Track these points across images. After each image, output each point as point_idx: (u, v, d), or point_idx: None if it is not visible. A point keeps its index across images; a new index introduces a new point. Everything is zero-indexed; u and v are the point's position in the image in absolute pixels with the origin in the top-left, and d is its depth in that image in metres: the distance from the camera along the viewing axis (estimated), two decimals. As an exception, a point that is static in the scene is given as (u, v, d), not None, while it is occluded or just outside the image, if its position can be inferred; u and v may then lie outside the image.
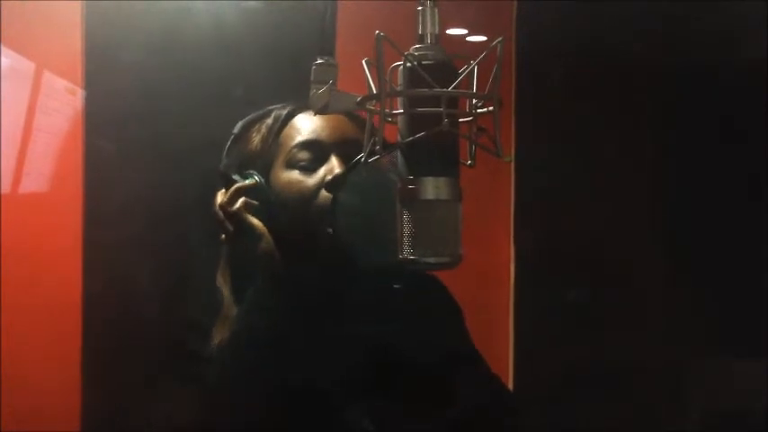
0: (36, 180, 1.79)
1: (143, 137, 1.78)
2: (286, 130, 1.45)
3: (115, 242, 1.78)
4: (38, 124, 1.78)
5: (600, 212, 1.99)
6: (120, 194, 1.79)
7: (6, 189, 1.75)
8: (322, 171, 1.41)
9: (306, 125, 1.44)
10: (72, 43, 1.78)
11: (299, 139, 1.43)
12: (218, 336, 1.39)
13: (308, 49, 1.40)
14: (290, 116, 1.46)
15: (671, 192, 1.99)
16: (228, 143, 1.47)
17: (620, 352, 1.97)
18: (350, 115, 1.44)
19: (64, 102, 1.81)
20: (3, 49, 1.73)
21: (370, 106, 1.15)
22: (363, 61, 1.17)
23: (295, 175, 1.41)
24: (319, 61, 1.20)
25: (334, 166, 1.40)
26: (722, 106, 1.92)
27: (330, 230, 1.35)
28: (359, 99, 1.16)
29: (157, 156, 1.79)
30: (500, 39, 1.15)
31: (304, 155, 1.42)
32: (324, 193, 1.39)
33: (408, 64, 1.12)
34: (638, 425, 1.96)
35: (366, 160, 1.17)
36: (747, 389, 1.93)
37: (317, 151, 1.42)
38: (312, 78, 1.19)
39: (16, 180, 1.76)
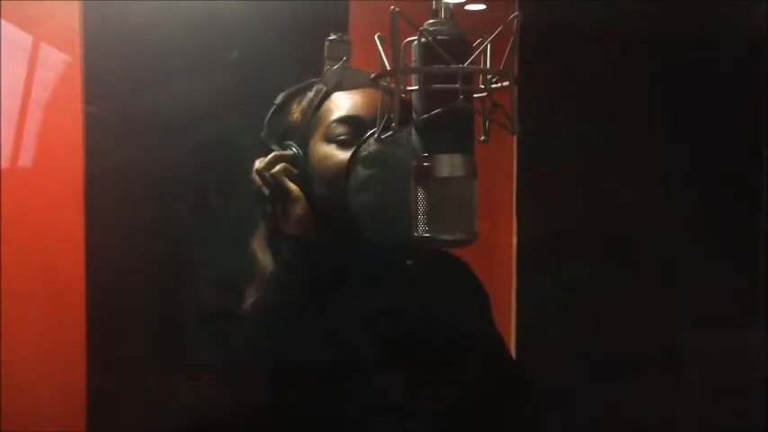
0: (35, 154, 1.78)
1: (144, 107, 1.77)
2: (326, 104, 1.44)
3: (117, 214, 1.77)
4: (36, 96, 1.77)
5: (604, 188, 1.98)
6: (120, 166, 1.77)
7: (6, 160, 1.74)
8: None
9: (345, 101, 1.43)
10: (70, 15, 1.76)
11: (339, 114, 1.43)
12: (252, 296, 1.40)
13: (313, 23, 1.39)
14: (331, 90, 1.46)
15: (676, 167, 1.99)
16: (269, 114, 1.47)
17: (623, 329, 1.98)
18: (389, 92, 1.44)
19: (62, 73, 1.79)
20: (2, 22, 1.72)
21: (384, 83, 1.15)
22: (376, 37, 1.16)
23: (332, 149, 1.41)
24: (333, 37, 1.19)
25: (371, 143, 1.39)
26: (727, 79, 1.92)
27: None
28: (373, 75, 1.15)
29: (159, 125, 1.78)
30: (515, 14, 1.14)
31: (342, 130, 1.42)
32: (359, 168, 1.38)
33: (423, 39, 1.11)
34: (640, 398, 1.97)
35: (379, 136, 1.16)
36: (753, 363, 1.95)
37: (355, 127, 1.41)
38: (326, 55, 1.18)
39: (15, 151, 1.75)
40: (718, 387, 1.96)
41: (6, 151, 1.75)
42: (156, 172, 1.79)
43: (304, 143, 1.43)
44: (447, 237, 1.13)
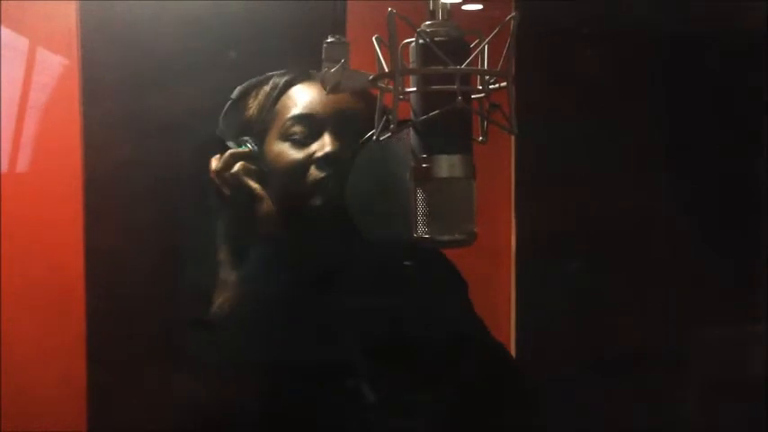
0: (34, 154, 1.78)
1: (143, 107, 1.77)
2: (283, 99, 1.44)
3: (116, 213, 1.77)
4: (34, 98, 1.77)
5: (603, 188, 1.98)
6: (119, 166, 1.77)
7: (6, 161, 1.74)
8: (314, 147, 1.40)
9: (302, 97, 1.43)
10: (66, 16, 1.76)
11: (294, 111, 1.42)
12: (218, 300, 1.40)
13: (311, 23, 1.38)
14: (289, 85, 1.45)
15: (676, 167, 1.99)
16: (226, 108, 1.46)
17: (623, 329, 1.98)
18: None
19: (59, 74, 1.79)
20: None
21: (382, 84, 1.15)
22: (374, 38, 1.16)
23: (287, 147, 1.41)
24: (330, 40, 1.19)
25: (326, 143, 1.39)
26: (727, 79, 1.92)
27: (318, 203, 1.36)
28: (371, 77, 1.15)
29: (157, 125, 1.78)
30: (512, 14, 1.14)
31: (297, 128, 1.41)
32: (313, 170, 1.38)
33: (421, 41, 1.11)
34: (640, 398, 1.97)
35: (377, 138, 1.16)
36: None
37: (310, 126, 1.41)
38: (324, 57, 1.18)
39: (14, 152, 1.76)
40: (718, 387, 1.96)
41: (6, 152, 1.75)
42: (155, 172, 1.79)
43: (260, 139, 1.43)
44: (446, 238, 1.13)
